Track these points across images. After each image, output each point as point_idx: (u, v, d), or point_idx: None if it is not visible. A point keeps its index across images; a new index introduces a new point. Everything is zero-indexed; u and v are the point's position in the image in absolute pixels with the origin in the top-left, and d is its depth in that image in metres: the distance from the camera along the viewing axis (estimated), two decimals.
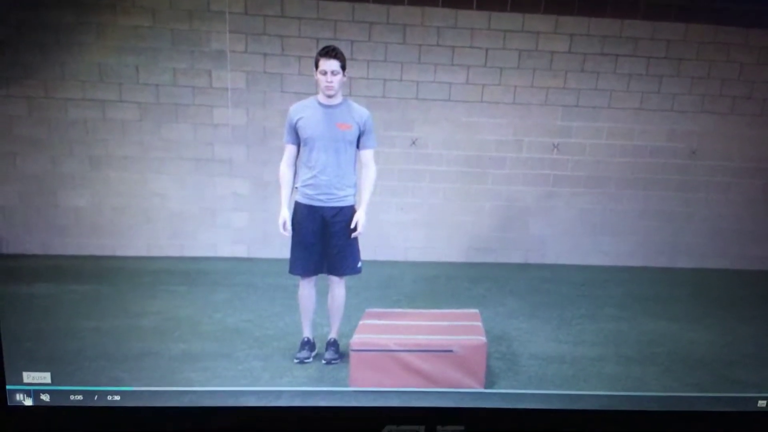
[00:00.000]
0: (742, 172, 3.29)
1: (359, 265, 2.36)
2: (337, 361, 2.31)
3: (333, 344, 2.36)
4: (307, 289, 2.36)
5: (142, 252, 3.24)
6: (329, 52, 2.21)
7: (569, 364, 2.31)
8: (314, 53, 3.05)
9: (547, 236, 3.40)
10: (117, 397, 1.89)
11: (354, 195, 2.33)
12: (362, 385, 2.08)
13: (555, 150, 3.27)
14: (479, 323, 2.28)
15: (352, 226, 2.32)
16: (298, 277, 2.37)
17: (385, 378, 2.08)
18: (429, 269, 3.22)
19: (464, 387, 2.08)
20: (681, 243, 3.39)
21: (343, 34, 3.05)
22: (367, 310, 2.41)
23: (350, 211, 2.33)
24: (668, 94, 3.19)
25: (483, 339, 2.12)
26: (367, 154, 2.35)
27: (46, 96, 3.05)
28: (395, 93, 3.14)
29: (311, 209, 2.29)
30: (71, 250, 3.20)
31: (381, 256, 3.30)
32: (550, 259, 3.41)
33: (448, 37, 3.09)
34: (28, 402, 1.88)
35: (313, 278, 2.36)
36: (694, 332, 2.66)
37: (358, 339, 2.12)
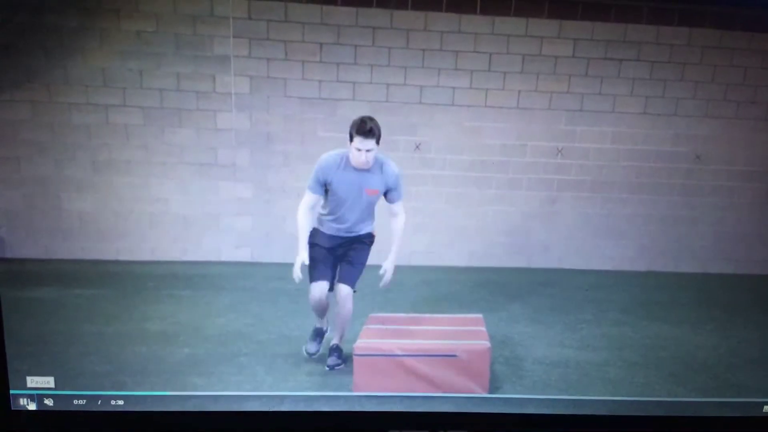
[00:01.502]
0: (747, 177, 3.28)
1: (357, 283, 2.37)
2: (341, 366, 2.30)
3: (336, 350, 2.35)
4: (318, 298, 2.35)
5: (146, 256, 3.24)
6: (366, 132, 2.15)
7: (573, 368, 2.30)
8: (318, 58, 3.08)
9: (550, 241, 3.39)
10: (120, 402, 1.89)
11: (373, 224, 2.35)
12: (366, 390, 2.07)
13: (559, 154, 3.26)
14: (483, 328, 2.28)
15: (381, 273, 2.36)
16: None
17: (388, 383, 2.08)
18: (432, 274, 3.21)
19: (468, 392, 2.07)
20: (685, 247, 3.38)
21: (346, 39, 3.05)
22: (371, 315, 2.41)
23: (368, 237, 2.35)
24: (672, 99, 3.18)
25: (487, 344, 2.11)
26: (396, 207, 2.36)
27: (50, 100, 3.05)
28: (398, 97, 3.14)
29: (330, 236, 2.31)
30: (75, 255, 3.20)
31: (384, 261, 3.30)
32: (554, 263, 3.40)
33: (451, 41, 3.09)
34: (32, 407, 1.88)
35: (326, 291, 2.35)
36: (698, 337, 2.65)
37: (361, 344, 2.11)
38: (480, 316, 2.42)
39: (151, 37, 3.04)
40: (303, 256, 2.27)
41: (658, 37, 3.11)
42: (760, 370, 2.32)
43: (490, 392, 2.08)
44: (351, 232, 2.32)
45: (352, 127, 2.17)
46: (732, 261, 3.39)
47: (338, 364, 2.30)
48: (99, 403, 1.88)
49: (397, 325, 2.32)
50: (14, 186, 3.15)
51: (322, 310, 2.37)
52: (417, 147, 3.23)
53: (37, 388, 1.86)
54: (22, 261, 3.17)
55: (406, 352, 2.07)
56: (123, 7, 2.99)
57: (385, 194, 2.31)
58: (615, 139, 3.25)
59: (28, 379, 1.87)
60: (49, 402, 1.87)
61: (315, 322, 2.42)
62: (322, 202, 2.34)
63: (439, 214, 3.28)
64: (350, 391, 2.09)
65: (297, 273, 2.26)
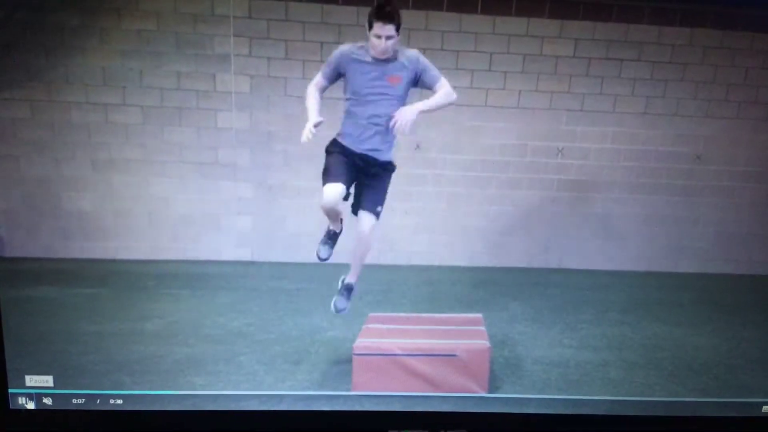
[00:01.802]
0: (747, 177, 3.28)
1: (379, 209, 2.22)
2: (345, 311, 2.26)
3: (348, 289, 2.26)
4: (333, 195, 2.13)
5: (146, 255, 3.24)
6: (386, 15, 1.98)
7: (573, 368, 2.30)
8: (318, 57, 3.07)
9: (550, 241, 3.39)
10: (119, 401, 1.89)
11: (392, 151, 2.21)
12: (365, 389, 2.07)
13: (559, 154, 3.26)
14: (482, 327, 2.27)
15: (395, 114, 2.10)
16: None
17: (388, 382, 2.07)
18: (432, 273, 3.21)
19: (468, 392, 2.07)
20: (685, 247, 3.38)
21: (347, 38, 3.04)
22: (371, 315, 2.40)
23: (389, 164, 2.22)
24: (673, 99, 3.18)
25: (486, 343, 2.10)
26: (438, 87, 2.13)
27: (50, 99, 3.05)
28: None
29: (349, 150, 2.17)
30: (74, 254, 3.20)
31: (384, 260, 3.29)
32: (554, 263, 3.40)
33: (452, 41, 3.09)
34: (31, 405, 1.87)
35: (344, 187, 2.16)
36: (698, 337, 2.65)
37: (361, 343, 2.10)
38: (480, 315, 2.41)
39: (151, 36, 3.03)
40: (312, 120, 2.08)
41: (660, 37, 3.11)
42: (760, 370, 2.32)
43: (490, 392, 2.07)
44: (372, 150, 2.17)
45: (370, 14, 2.01)
46: (732, 261, 3.39)
47: (344, 309, 2.23)
48: (98, 402, 1.88)
49: (396, 325, 2.32)
50: (14, 185, 3.14)
51: (335, 215, 2.23)
52: (417, 146, 3.22)
53: (35, 387, 1.86)
54: (22, 260, 3.17)
55: (405, 351, 2.07)
56: (123, 6, 2.99)
57: (421, 84, 2.13)
58: (615, 139, 3.25)
59: (27, 377, 1.86)
60: (47, 401, 1.87)
61: (328, 225, 2.29)
62: (326, 88, 2.17)
63: (440, 214, 3.28)
64: (349, 390, 2.09)
65: (306, 134, 2.08)
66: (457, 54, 3.11)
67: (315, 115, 2.11)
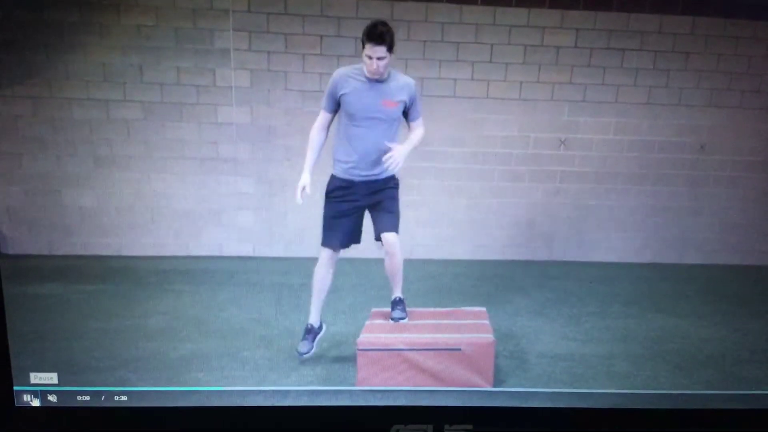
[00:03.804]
0: (752, 167, 3.26)
1: (397, 225, 2.25)
2: (405, 319, 2.28)
3: (399, 303, 2.30)
4: (325, 267, 2.21)
5: (148, 252, 3.24)
6: (376, 37, 1.96)
7: (578, 361, 2.29)
8: (318, 51, 3.06)
9: (554, 233, 3.38)
10: (124, 398, 1.89)
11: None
12: (370, 384, 2.06)
13: (562, 146, 3.24)
14: (486, 321, 2.26)
15: (388, 153, 2.12)
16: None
17: (392, 377, 2.06)
18: (435, 267, 3.20)
19: (472, 386, 2.06)
20: (690, 238, 3.37)
21: (347, 31, 3.04)
22: (374, 310, 2.39)
23: (392, 180, 2.22)
24: (676, 89, 3.16)
25: (491, 337, 2.10)
26: (415, 125, 2.20)
27: (51, 96, 3.05)
28: None
29: (350, 182, 2.17)
30: (77, 250, 3.20)
31: None
32: (558, 255, 3.39)
33: (452, 32, 3.07)
34: (36, 403, 1.87)
35: (336, 256, 2.22)
36: (704, 329, 2.64)
37: (364, 338, 2.10)
38: (484, 309, 2.40)
39: (150, 32, 3.02)
40: (305, 180, 2.11)
41: (662, 26, 3.09)
42: (767, 362, 2.31)
43: (495, 386, 2.06)
44: (372, 173, 2.17)
45: (363, 33, 1.98)
46: (737, 252, 3.38)
47: (403, 318, 2.25)
48: (102, 398, 1.87)
49: None
50: (16, 182, 3.14)
51: (322, 282, 2.23)
52: None
53: (40, 384, 1.86)
54: (25, 257, 3.17)
55: (409, 346, 2.06)
56: (123, 2, 2.98)
57: (405, 113, 2.16)
58: (618, 129, 3.24)
59: (32, 375, 1.86)
60: (52, 398, 1.87)
61: (308, 318, 2.33)
62: (331, 120, 2.13)
63: (442, 207, 3.27)
64: (354, 385, 2.08)
65: (298, 197, 2.11)
66: (458, 46, 3.09)
67: (309, 172, 2.12)
